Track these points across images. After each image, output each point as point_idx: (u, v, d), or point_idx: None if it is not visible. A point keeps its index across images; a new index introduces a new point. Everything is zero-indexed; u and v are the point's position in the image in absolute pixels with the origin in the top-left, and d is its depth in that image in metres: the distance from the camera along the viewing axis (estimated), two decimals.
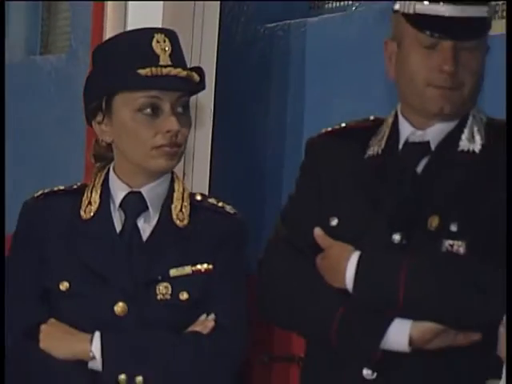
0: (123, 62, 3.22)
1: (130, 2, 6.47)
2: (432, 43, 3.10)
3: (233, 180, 4.63)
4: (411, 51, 3.14)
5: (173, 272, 3.23)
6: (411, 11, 3.10)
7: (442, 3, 3.07)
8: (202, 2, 4.87)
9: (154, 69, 3.17)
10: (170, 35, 3.29)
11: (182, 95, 3.28)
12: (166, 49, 3.22)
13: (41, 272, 3.26)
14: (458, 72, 3.08)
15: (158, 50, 3.20)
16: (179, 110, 3.27)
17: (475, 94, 3.21)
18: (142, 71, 3.17)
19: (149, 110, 3.23)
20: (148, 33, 3.29)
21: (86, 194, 3.33)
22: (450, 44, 3.07)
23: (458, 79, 3.09)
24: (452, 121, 3.19)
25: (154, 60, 3.20)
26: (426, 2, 3.10)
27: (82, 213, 3.30)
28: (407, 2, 3.12)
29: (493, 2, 3.25)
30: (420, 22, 3.09)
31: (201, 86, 3.37)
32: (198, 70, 3.31)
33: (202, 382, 3.23)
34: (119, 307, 3.18)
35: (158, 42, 3.21)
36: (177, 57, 3.28)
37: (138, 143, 3.22)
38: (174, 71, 3.21)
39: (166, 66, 3.20)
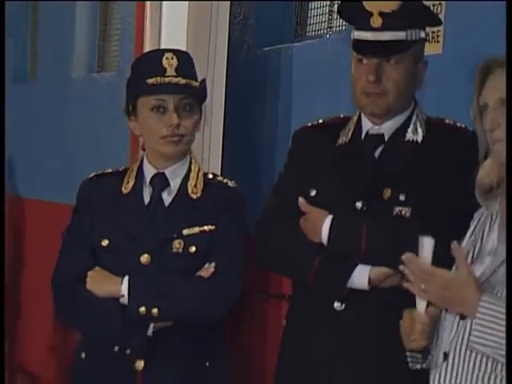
0: (140, 74, 3.37)
1: (163, 32, 6.64)
2: (360, 59, 3.26)
3: (239, 163, 4.72)
4: (354, 67, 3.29)
5: (185, 232, 3.33)
6: (352, 37, 3.25)
7: (364, 29, 3.19)
8: (215, 31, 4.97)
9: (159, 78, 3.30)
10: (179, 54, 3.41)
11: (184, 97, 3.36)
12: (173, 64, 3.32)
13: (90, 233, 3.39)
14: (382, 82, 3.20)
15: (165, 65, 3.32)
16: (182, 108, 3.35)
17: (401, 99, 3.28)
18: (149, 80, 3.31)
19: (156, 111, 3.33)
20: (161, 52, 3.45)
21: (126, 175, 3.45)
22: (373, 60, 3.19)
23: (382, 88, 3.21)
24: (396, 118, 3.31)
25: (160, 72, 3.31)
26: (359, 31, 3.22)
27: (122, 189, 3.41)
28: (352, 31, 3.27)
29: (411, 30, 3.25)
30: (355, 44, 3.24)
31: (202, 92, 3.44)
32: (202, 81, 3.43)
33: (203, 311, 3.30)
34: (144, 258, 3.30)
35: (166, 58, 3.33)
36: (182, 69, 3.35)
37: (151, 134, 3.35)
38: (174, 80, 3.32)
39: (169, 76, 3.31)
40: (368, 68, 3.21)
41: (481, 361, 2.55)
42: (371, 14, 3.18)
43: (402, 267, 2.62)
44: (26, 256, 8.25)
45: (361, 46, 3.23)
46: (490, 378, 2.54)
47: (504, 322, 2.42)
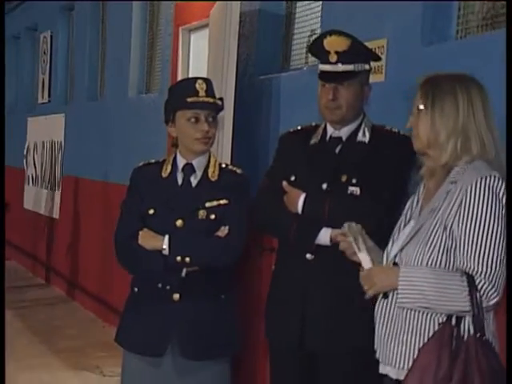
0: (180, 94, 3.36)
1: (190, 65, 6.58)
2: (322, 84, 3.29)
3: (243, 156, 4.74)
4: (319, 89, 3.33)
5: (207, 204, 3.34)
6: (319, 69, 3.31)
7: (325, 63, 3.25)
8: (227, 65, 4.96)
9: (195, 98, 3.30)
10: (206, 81, 3.41)
11: (211, 112, 3.35)
12: (203, 87, 3.33)
13: (139, 205, 3.41)
14: (338, 99, 3.25)
15: (198, 88, 3.32)
16: (210, 119, 3.33)
17: (352, 111, 3.30)
18: (189, 99, 3.30)
19: (193, 120, 3.31)
20: (194, 79, 3.44)
21: (165, 164, 3.46)
22: (331, 84, 3.25)
23: (337, 103, 3.25)
24: (351, 125, 3.35)
25: (195, 93, 3.31)
26: (321, 64, 3.29)
27: (162, 173, 3.43)
28: (318, 64, 3.33)
29: (373, 64, 3.40)
30: (319, 74, 3.29)
31: (221, 107, 3.45)
32: (220, 99, 3.44)
33: (220, 259, 3.32)
34: (178, 222, 3.32)
35: (199, 84, 3.34)
36: (209, 92, 3.35)
37: (187, 137, 3.34)
38: (205, 99, 3.32)
39: (201, 97, 3.31)
40: (328, 90, 3.26)
41: None
42: (329, 52, 3.24)
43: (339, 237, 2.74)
44: (91, 222, 8.41)
45: (323, 75, 3.28)
46: (417, 311, 2.53)
47: (420, 284, 2.45)
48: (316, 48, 3.36)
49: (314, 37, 4.97)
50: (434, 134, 2.58)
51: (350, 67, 3.26)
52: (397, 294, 2.52)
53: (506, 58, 2.71)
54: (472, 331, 2.41)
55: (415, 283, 2.46)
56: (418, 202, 2.75)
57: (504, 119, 2.73)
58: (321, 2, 4.76)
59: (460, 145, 2.53)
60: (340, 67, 3.25)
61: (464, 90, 2.56)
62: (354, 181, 3.27)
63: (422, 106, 2.61)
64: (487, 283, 2.40)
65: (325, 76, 3.28)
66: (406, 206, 2.80)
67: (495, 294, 2.42)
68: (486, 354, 2.37)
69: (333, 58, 3.24)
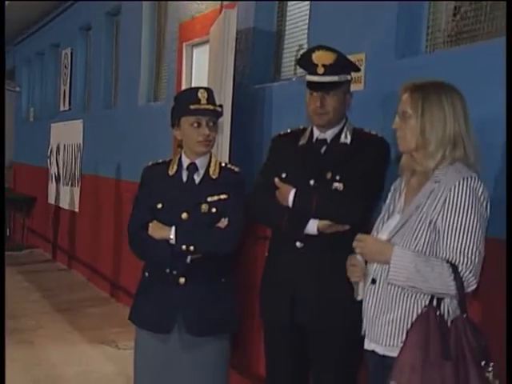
0: (185, 102, 3.32)
1: (193, 76, 6.55)
2: (311, 93, 3.25)
3: (240, 157, 4.70)
4: (307, 97, 3.29)
5: (208, 199, 3.30)
6: (306, 80, 3.28)
7: (313, 74, 3.22)
8: (225, 76, 4.96)
9: (197, 105, 3.26)
10: (207, 90, 3.36)
11: (212, 117, 3.31)
12: (205, 96, 3.28)
13: (149, 200, 3.37)
14: (324, 106, 3.22)
15: (200, 97, 3.28)
16: (210, 124, 3.29)
17: (336, 116, 3.28)
18: (192, 106, 3.26)
19: (195, 125, 3.26)
20: (196, 88, 3.40)
21: (171, 163, 3.42)
22: (319, 93, 3.22)
23: (324, 109, 3.23)
24: (335, 128, 3.32)
25: (198, 101, 3.27)
26: (309, 75, 3.25)
27: (169, 172, 3.38)
28: (306, 75, 3.29)
29: (354, 74, 3.39)
30: (308, 84, 3.26)
31: (221, 113, 3.41)
32: (220, 106, 3.39)
33: (220, 247, 3.29)
34: (184, 215, 3.28)
35: (201, 93, 3.29)
36: (209, 100, 3.30)
37: (190, 139, 3.30)
38: (206, 107, 3.27)
39: (203, 104, 3.27)
40: (316, 98, 3.23)
41: (396, 285, 2.55)
42: (317, 65, 3.20)
43: (354, 243, 2.65)
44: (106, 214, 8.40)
45: (311, 85, 3.25)
46: (402, 294, 2.54)
47: (411, 265, 2.43)
48: (305, 61, 3.31)
49: (301, 51, 4.95)
50: (424, 141, 2.56)
51: (335, 78, 3.23)
52: (386, 272, 2.51)
53: (506, 58, 2.67)
54: (451, 313, 2.45)
55: (407, 263, 2.45)
56: (400, 196, 2.74)
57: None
58: (307, 21, 4.73)
59: (448, 152, 2.54)
60: (326, 78, 3.22)
61: (449, 100, 2.54)
62: (337, 177, 3.24)
63: (410, 112, 2.58)
64: (468, 271, 2.41)
65: (313, 86, 3.25)
66: (388, 200, 2.79)
67: (474, 281, 2.44)
68: (472, 332, 2.38)
69: (320, 70, 3.21)
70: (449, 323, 2.41)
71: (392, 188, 2.83)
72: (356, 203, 3.20)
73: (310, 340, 3.32)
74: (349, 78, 3.35)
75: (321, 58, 3.23)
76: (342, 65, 3.28)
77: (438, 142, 2.52)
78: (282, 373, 3.43)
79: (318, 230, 3.20)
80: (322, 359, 3.30)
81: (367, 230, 2.84)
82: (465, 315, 2.40)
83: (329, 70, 3.21)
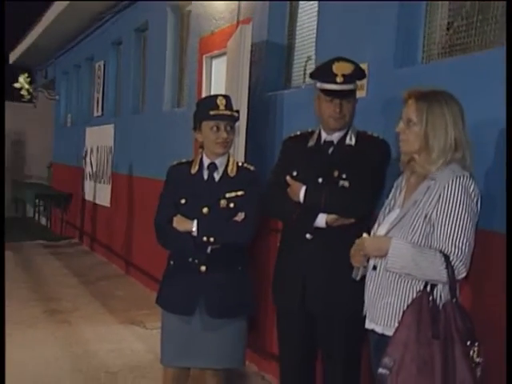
0: (205, 108, 3.32)
1: (212, 84, 6.55)
2: (330, 99, 3.19)
3: (255, 157, 4.67)
4: (322, 103, 3.23)
5: (227, 195, 3.29)
6: (322, 87, 3.21)
7: (332, 83, 3.17)
8: (241, 84, 4.96)
9: (216, 111, 3.26)
10: (226, 97, 3.35)
11: (229, 122, 3.30)
12: (223, 102, 3.28)
13: (173, 196, 3.36)
14: (342, 111, 3.19)
15: (219, 103, 3.27)
16: (228, 128, 3.29)
17: (350, 120, 3.26)
18: (211, 112, 3.26)
19: (215, 129, 3.26)
20: (216, 96, 3.39)
21: (193, 163, 3.41)
22: (337, 100, 3.18)
23: (342, 114, 3.20)
24: (341, 131, 3.27)
25: (217, 107, 3.26)
26: (328, 84, 3.18)
27: (191, 170, 3.37)
28: (319, 83, 3.22)
29: (358, 82, 3.31)
30: (326, 92, 3.19)
31: (237, 118, 3.39)
32: (237, 112, 3.38)
33: (238, 239, 3.28)
34: (205, 209, 3.27)
35: (219, 99, 3.29)
36: (228, 105, 3.29)
37: (210, 142, 3.30)
38: (225, 112, 3.27)
39: (221, 110, 3.26)
40: (335, 104, 3.20)
41: (393, 273, 2.55)
42: (337, 75, 3.16)
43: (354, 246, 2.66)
44: (136, 209, 8.33)
45: (330, 93, 3.20)
46: (399, 280, 2.54)
47: (407, 254, 2.45)
48: (324, 71, 3.24)
49: (309, 62, 4.99)
50: (427, 147, 2.55)
51: (351, 86, 3.22)
52: (386, 262, 2.51)
53: (506, 57, 2.61)
54: (443, 298, 2.45)
55: (404, 253, 2.45)
56: (400, 192, 2.73)
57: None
58: (315, 34, 4.71)
59: (449, 158, 2.54)
60: (345, 86, 3.19)
61: (450, 109, 2.54)
62: (343, 176, 3.21)
63: (415, 120, 2.57)
64: (458, 261, 2.42)
65: (332, 93, 3.20)
66: (390, 196, 2.78)
67: (464, 270, 2.45)
68: (461, 316, 2.40)
69: (340, 79, 3.17)
70: (440, 307, 2.42)
71: (394, 185, 2.81)
72: (360, 199, 3.18)
73: (319, 323, 3.29)
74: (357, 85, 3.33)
75: (341, 68, 3.19)
76: (356, 74, 3.26)
77: (440, 149, 2.52)
78: (293, 353, 3.40)
79: (327, 223, 3.18)
80: (331, 338, 3.26)
81: (370, 224, 2.85)
82: (454, 300, 2.41)
83: (347, 79, 3.18)
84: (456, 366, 2.32)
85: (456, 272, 2.41)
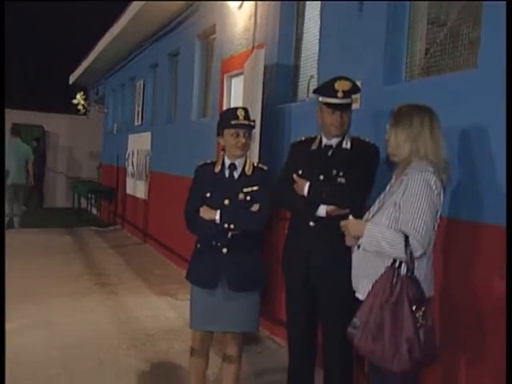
0: (227, 118, 3.27)
1: (231, 98, 6.53)
2: (332, 111, 3.16)
3: (267, 158, 4.61)
4: (325, 114, 3.20)
5: (244, 190, 3.24)
6: (324, 101, 3.18)
7: (334, 98, 3.14)
8: (255, 98, 4.95)
9: (236, 121, 3.20)
10: (244, 109, 3.29)
11: (247, 130, 3.25)
12: (242, 114, 3.23)
13: (200, 190, 3.30)
14: (342, 120, 3.17)
15: (239, 114, 3.22)
16: (246, 135, 3.23)
17: (347, 128, 3.23)
18: (232, 121, 3.21)
19: (235, 135, 3.21)
20: (236, 108, 3.32)
21: (216, 163, 3.35)
22: (338, 111, 3.17)
23: (341, 123, 3.17)
24: (339, 137, 3.24)
25: (237, 117, 3.21)
26: (330, 98, 3.16)
27: (215, 169, 3.32)
28: (323, 98, 3.19)
29: (353, 96, 3.27)
30: (329, 104, 3.16)
31: (254, 126, 3.33)
32: (253, 121, 3.32)
33: (253, 226, 3.21)
34: (226, 201, 3.21)
35: (239, 111, 3.25)
36: (246, 116, 3.24)
37: (231, 146, 3.24)
38: (243, 122, 3.22)
39: (241, 120, 3.22)
40: (337, 115, 3.18)
41: (369, 251, 2.57)
42: (337, 91, 3.14)
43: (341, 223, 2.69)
44: (166, 201, 8.36)
45: (332, 106, 3.17)
46: (374, 257, 2.54)
47: (377, 235, 2.48)
48: (327, 88, 3.20)
49: (312, 80, 4.96)
50: (396, 142, 2.61)
51: (349, 100, 3.20)
52: (362, 241, 2.56)
53: (506, 58, 2.55)
54: (404, 272, 2.44)
55: (374, 234, 2.49)
56: (390, 188, 2.73)
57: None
58: (317, 57, 4.68)
59: (411, 148, 2.55)
60: (345, 100, 3.17)
61: (418, 120, 2.56)
62: (340, 174, 3.18)
63: (388, 129, 2.65)
64: (415, 241, 2.42)
65: (334, 106, 3.18)
66: (385, 191, 2.75)
67: (420, 249, 2.44)
68: (413, 286, 2.40)
69: (340, 94, 3.14)
70: (399, 279, 2.42)
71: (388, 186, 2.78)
72: (354, 193, 3.14)
73: (320, 295, 3.26)
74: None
75: (341, 85, 3.16)
76: (354, 90, 3.22)
77: (404, 140, 2.57)
78: (298, 319, 3.38)
79: (327, 212, 3.16)
80: (330, 307, 3.24)
81: (361, 213, 2.81)
82: (409, 273, 2.41)
83: (346, 94, 3.16)
84: (403, 324, 2.34)
85: (414, 250, 2.41)
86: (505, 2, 2.67)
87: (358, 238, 2.60)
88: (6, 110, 14.95)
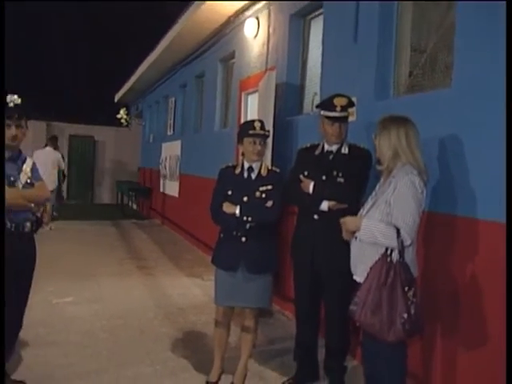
0: (246, 128, 3.24)
1: (248, 112, 6.49)
2: (332, 123, 3.13)
3: (279, 162, 4.53)
4: (326, 125, 3.18)
5: (260, 188, 3.19)
6: (325, 114, 3.15)
7: (333, 111, 3.12)
8: (268, 111, 4.92)
9: (254, 131, 3.18)
10: (261, 121, 3.26)
11: (263, 139, 3.22)
12: (258, 125, 3.20)
13: (223, 189, 3.26)
14: (340, 131, 3.14)
15: (256, 125, 3.20)
16: (262, 143, 3.21)
17: (345, 136, 3.20)
18: (250, 131, 3.19)
19: (252, 143, 3.18)
20: (253, 120, 3.29)
21: (237, 166, 3.31)
22: (337, 123, 3.14)
23: (340, 133, 3.15)
24: (338, 144, 3.20)
25: (254, 128, 3.19)
26: (330, 112, 3.13)
27: (235, 171, 3.28)
28: (324, 112, 3.16)
29: (350, 110, 3.23)
30: (328, 117, 3.14)
31: (268, 136, 3.28)
32: (268, 131, 3.27)
33: (268, 219, 3.16)
34: (245, 198, 3.17)
35: (256, 123, 3.22)
36: (262, 127, 3.21)
37: (249, 152, 3.21)
38: (259, 132, 3.19)
39: (257, 130, 3.19)
40: (336, 127, 3.15)
41: (365, 242, 2.53)
42: (336, 106, 3.11)
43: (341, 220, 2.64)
44: (194, 202, 8.31)
45: (332, 119, 3.15)
46: (370, 247, 2.50)
47: (372, 228, 2.45)
48: (328, 103, 3.17)
49: (316, 96, 4.93)
50: (380, 150, 2.61)
51: (346, 114, 3.17)
52: (359, 234, 2.53)
53: (506, 57, 2.49)
54: (397, 258, 2.41)
55: (370, 227, 2.46)
56: (379, 187, 2.69)
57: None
58: (320, 77, 4.64)
59: (392, 155, 2.54)
60: (342, 114, 3.14)
61: (395, 130, 2.53)
62: (340, 174, 3.15)
63: (374, 138, 2.64)
64: (405, 233, 2.41)
65: (333, 119, 3.15)
66: (375, 189, 2.72)
67: (409, 239, 2.43)
68: (404, 270, 2.39)
69: (338, 109, 3.12)
70: (392, 265, 2.41)
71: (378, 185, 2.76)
72: (352, 191, 3.10)
73: (323, 277, 3.24)
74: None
75: (339, 101, 3.13)
76: (350, 105, 3.19)
77: (386, 149, 2.56)
78: (304, 297, 3.35)
79: (328, 207, 3.13)
80: (331, 287, 3.21)
81: (357, 208, 2.78)
82: (401, 260, 2.40)
83: (343, 108, 3.13)
84: (398, 303, 2.35)
85: (404, 240, 2.40)
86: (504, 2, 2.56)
87: (354, 232, 2.56)
88: (64, 124, 15.34)
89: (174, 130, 10.80)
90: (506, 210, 2.28)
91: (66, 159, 14.10)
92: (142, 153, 14.88)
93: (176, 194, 9.98)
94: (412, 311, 2.35)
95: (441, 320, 2.98)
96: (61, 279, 5.80)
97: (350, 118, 3.36)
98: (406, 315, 2.33)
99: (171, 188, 10.41)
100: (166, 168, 11.01)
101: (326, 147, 3.27)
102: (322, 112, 3.19)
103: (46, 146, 10.22)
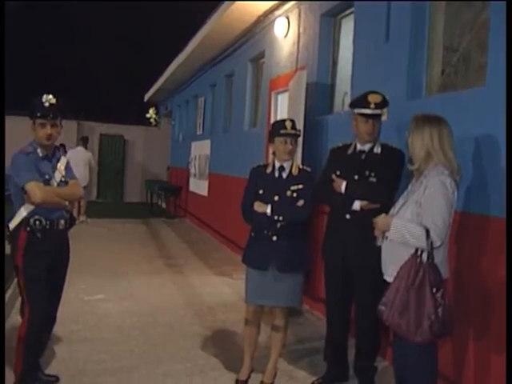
0: (277, 128, 3.23)
1: (278, 111, 6.48)
2: (365, 120, 3.10)
3: (309, 162, 4.53)
4: (359, 123, 3.16)
5: (291, 188, 3.19)
6: (358, 112, 3.13)
7: (367, 109, 3.10)
8: (299, 111, 4.90)
9: (285, 130, 3.18)
10: (292, 120, 3.26)
11: (294, 138, 3.21)
12: (290, 124, 3.20)
13: (254, 188, 3.27)
14: (374, 128, 3.13)
15: (287, 125, 3.20)
16: (293, 142, 3.21)
17: (378, 135, 3.18)
18: (281, 131, 3.19)
19: (283, 142, 3.18)
20: (285, 120, 3.29)
21: (268, 165, 3.31)
22: (371, 120, 3.12)
23: (373, 130, 3.13)
24: (370, 143, 3.19)
25: (285, 127, 3.19)
26: (364, 109, 3.11)
27: (266, 171, 3.29)
28: (358, 109, 3.14)
29: (384, 109, 3.22)
30: (361, 115, 3.12)
31: (299, 135, 3.27)
32: (299, 131, 3.27)
33: (299, 218, 3.19)
34: (276, 197, 3.18)
35: (287, 122, 3.22)
36: (293, 126, 3.21)
37: (280, 151, 3.21)
38: (291, 131, 3.19)
39: (288, 130, 3.19)
40: (370, 124, 3.14)
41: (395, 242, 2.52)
42: (370, 103, 3.10)
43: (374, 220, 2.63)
44: (226, 201, 8.38)
45: (366, 116, 3.13)
46: (399, 247, 2.49)
47: (402, 229, 2.44)
48: (362, 100, 3.15)
49: (346, 96, 4.92)
50: (412, 150, 2.60)
51: (379, 111, 3.15)
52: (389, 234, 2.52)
53: (506, 57, 2.48)
54: (426, 259, 2.40)
55: (399, 228, 2.45)
56: (411, 187, 2.68)
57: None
58: (350, 76, 4.62)
59: (424, 156, 2.52)
60: (376, 111, 3.13)
61: (429, 129, 2.51)
62: (372, 174, 3.14)
63: (407, 136, 2.61)
64: (435, 234, 2.39)
65: (367, 116, 3.13)
66: (408, 189, 2.71)
67: (439, 241, 2.41)
68: (433, 271, 2.38)
69: (373, 106, 3.10)
70: (422, 265, 2.40)
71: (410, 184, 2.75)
72: (384, 191, 3.09)
73: (354, 276, 3.23)
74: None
75: (373, 98, 3.12)
76: (384, 103, 3.18)
77: (418, 149, 2.54)
78: (335, 297, 3.36)
79: (360, 207, 3.13)
80: (363, 287, 3.20)
81: (390, 208, 2.76)
82: (431, 261, 2.38)
83: (378, 106, 3.12)
84: (425, 304, 2.34)
85: (433, 242, 2.38)
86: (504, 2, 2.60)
87: (385, 232, 2.56)
88: (96, 124, 15.64)
89: (203, 130, 10.87)
90: None
91: (97, 158, 14.39)
92: (171, 152, 15.02)
93: (205, 193, 10.05)
94: (440, 313, 2.34)
95: (473, 322, 2.95)
96: (92, 276, 5.91)
97: (382, 118, 3.34)
98: (433, 316, 2.32)
99: (200, 187, 10.49)
100: (195, 167, 11.10)
101: (359, 147, 3.26)
102: (356, 110, 3.18)
103: (77, 145, 10.57)
